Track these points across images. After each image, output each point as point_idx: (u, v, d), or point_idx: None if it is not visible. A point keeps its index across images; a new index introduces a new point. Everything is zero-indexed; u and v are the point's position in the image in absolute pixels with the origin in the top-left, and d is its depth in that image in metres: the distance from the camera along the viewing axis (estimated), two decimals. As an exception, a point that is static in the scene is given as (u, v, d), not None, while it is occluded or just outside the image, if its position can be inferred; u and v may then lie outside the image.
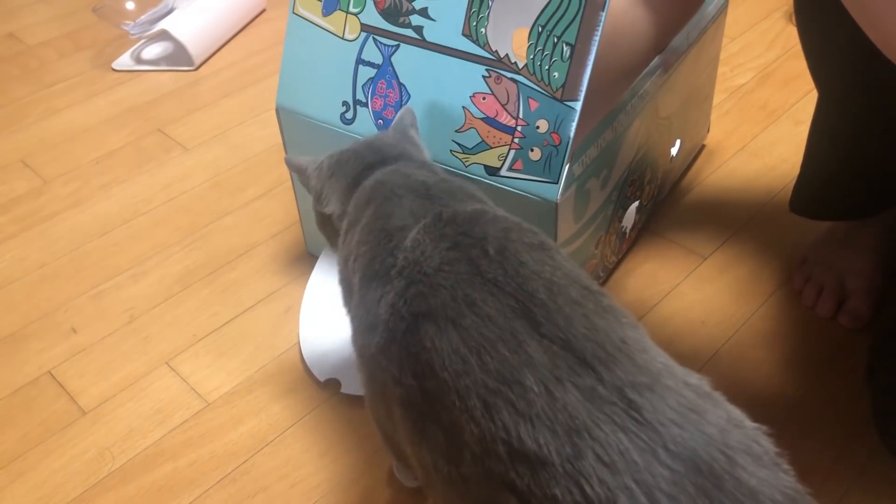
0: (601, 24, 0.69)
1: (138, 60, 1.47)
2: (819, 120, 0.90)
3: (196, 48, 1.44)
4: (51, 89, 1.42)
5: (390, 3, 0.79)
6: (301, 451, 0.83)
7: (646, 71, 0.88)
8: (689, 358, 0.89)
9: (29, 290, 1.03)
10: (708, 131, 1.19)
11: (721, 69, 1.35)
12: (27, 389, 0.90)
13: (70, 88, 1.42)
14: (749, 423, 0.50)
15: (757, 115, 1.24)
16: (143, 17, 1.51)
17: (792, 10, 1.45)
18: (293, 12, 0.85)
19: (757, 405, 0.84)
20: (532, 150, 0.74)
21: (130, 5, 1.53)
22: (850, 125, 0.87)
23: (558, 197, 0.74)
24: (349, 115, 0.84)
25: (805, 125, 0.94)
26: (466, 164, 0.78)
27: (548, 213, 0.75)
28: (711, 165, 1.15)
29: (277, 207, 1.12)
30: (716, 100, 1.28)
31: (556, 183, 0.74)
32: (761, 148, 1.18)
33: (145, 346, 0.95)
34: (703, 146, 1.18)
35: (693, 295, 0.96)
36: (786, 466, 0.49)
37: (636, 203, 0.97)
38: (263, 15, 1.61)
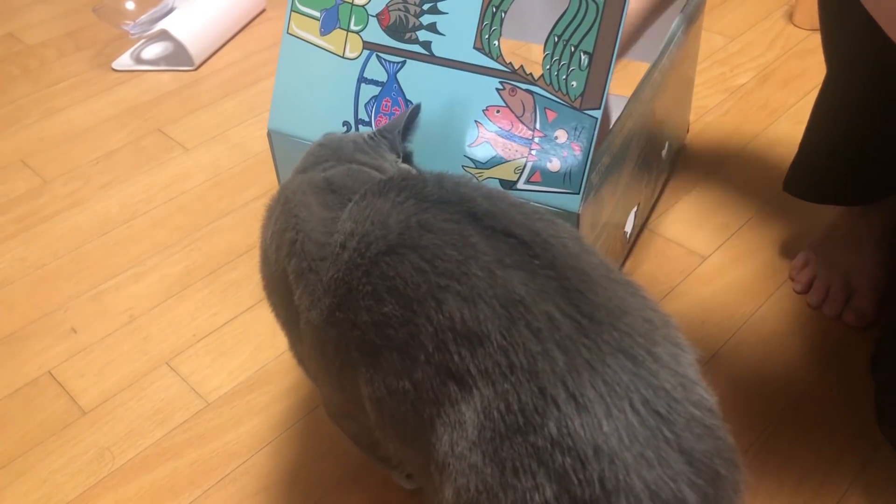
0: (620, 31, 0.69)
1: (138, 60, 1.47)
2: (824, 97, 0.90)
3: (196, 48, 1.44)
4: (51, 89, 1.42)
5: (395, 20, 0.77)
6: (301, 451, 0.83)
7: (644, 76, 0.88)
8: (689, 358, 0.89)
9: (29, 290, 1.03)
10: (687, 131, 1.19)
11: (721, 69, 1.35)
12: (27, 389, 0.90)
13: (70, 88, 1.42)
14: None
15: (757, 115, 1.24)
16: (143, 17, 1.51)
17: (792, 10, 1.45)
18: (287, 33, 0.82)
19: (757, 405, 0.84)
20: (551, 161, 0.73)
21: (130, 5, 1.53)
22: (854, 104, 0.86)
23: (580, 207, 0.73)
24: None
25: (805, 125, 0.94)
26: (480, 179, 0.76)
27: (570, 223, 0.74)
28: (711, 165, 1.15)
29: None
30: (716, 100, 1.28)
31: (578, 193, 0.73)
32: (761, 148, 1.18)
33: (145, 346, 0.95)
34: (685, 146, 1.18)
35: (693, 295, 0.96)
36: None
37: (636, 207, 0.97)
38: (263, 15, 1.61)
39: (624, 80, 1.33)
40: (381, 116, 0.80)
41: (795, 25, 1.43)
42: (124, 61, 1.47)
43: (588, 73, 0.70)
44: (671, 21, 0.98)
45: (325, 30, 0.81)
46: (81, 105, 1.37)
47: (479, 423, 0.50)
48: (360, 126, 0.81)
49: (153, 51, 1.48)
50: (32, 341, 0.96)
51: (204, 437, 0.84)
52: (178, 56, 1.45)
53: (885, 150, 0.87)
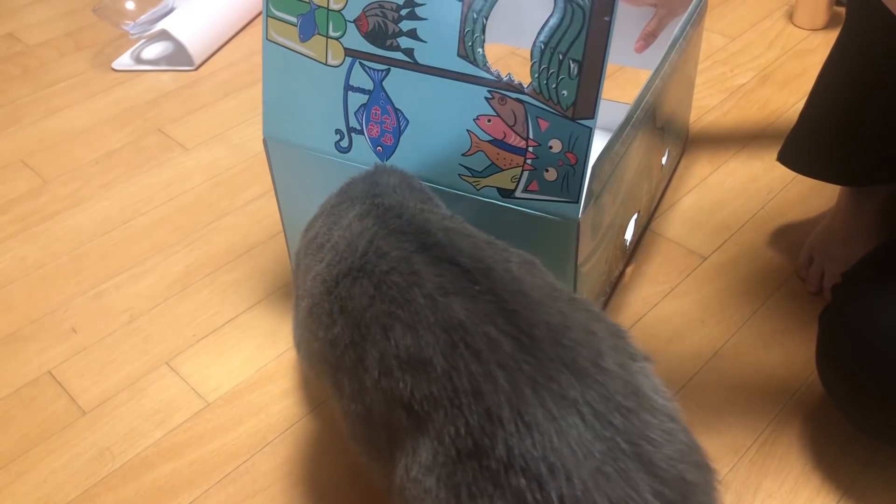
0: (609, 37, 0.66)
1: (138, 60, 1.47)
2: (832, 62, 0.89)
3: (196, 48, 1.44)
4: (51, 89, 1.42)
5: (374, 26, 0.74)
6: (301, 451, 0.83)
7: (647, 82, 0.87)
8: (689, 358, 0.89)
9: (29, 290, 1.03)
10: (687, 139, 1.19)
11: (721, 69, 1.35)
12: (27, 389, 0.90)
13: (70, 88, 1.42)
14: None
15: (757, 115, 1.24)
16: (143, 17, 1.51)
17: (792, 10, 1.45)
18: (266, 39, 0.79)
19: (757, 405, 0.84)
20: (547, 171, 0.72)
21: (130, 5, 1.53)
22: (864, 71, 0.85)
23: (580, 215, 0.72)
24: (344, 144, 0.80)
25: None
26: (478, 187, 0.75)
27: (569, 232, 0.73)
28: (711, 165, 1.15)
29: (277, 208, 1.12)
30: (716, 100, 1.28)
31: (577, 202, 0.72)
32: (761, 148, 1.18)
33: (145, 346, 0.95)
34: (685, 146, 1.18)
35: (693, 295, 0.96)
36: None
37: (635, 215, 0.97)
38: (263, 15, 1.61)
39: (623, 86, 1.33)
40: (371, 125, 0.78)
41: (795, 25, 1.43)
42: (124, 61, 1.47)
43: (578, 81, 0.68)
44: (673, 26, 0.98)
45: (304, 36, 0.78)
46: (81, 105, 1.37)
47: (432, 448, 0.50)
48: (352, 134, 0.79)
49: (153, 51, 1.48)
50: (32, 341, 0.96)
51: (204, 437, 0.84)
52: (178, 56, 1.45)
53: (884, 133, 0.86)
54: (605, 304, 0.95)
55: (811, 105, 0.93)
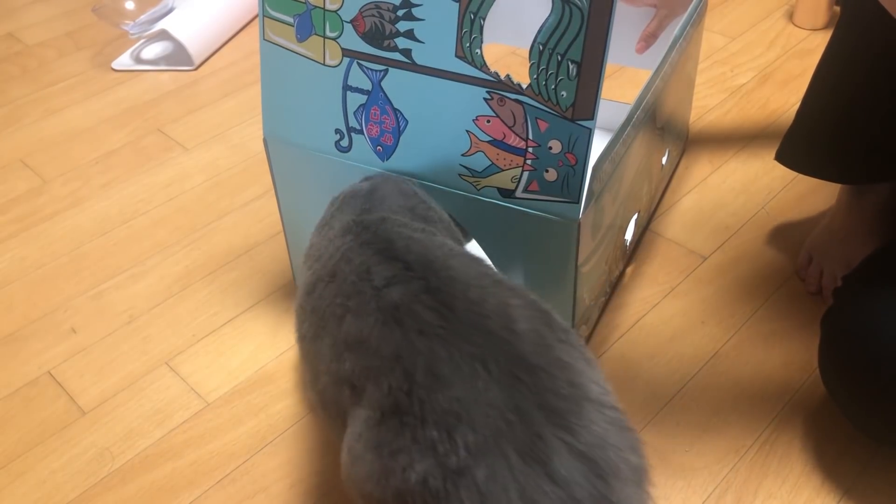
0: (608, 37, 0.66)
1: (138, 60, 1.47)
2: (828, 59, 0.89)
3: (196, 48, 1.44)
4: (50, 89, 1.42)
5: (371, 26, 0.74)
6: (301, 451, 0.83)
7: (647, 82, 0.87)
8: (689, 358, 0.89)
9: (29, 290, 1.03)
10: (687, 139, 1.19)
11: (721, 69, 1.35)
12: (27, 389, 0.90)
13: (70, 88, 1.42)
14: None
15: (757, 115, 1.24)
16: (142, 16, 1.51)
17: (792, 10, 1.45)
18: (264, 38, 0.79)
19: (757, 405, 0.84)
20: (547, 171, 0.72)
21: (130, 5, 1.53)
22: (860, 68, 0.85)
23: (580, 216, 0.72)
24: (344, 143, 0.80)
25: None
26: (478, 187, 0.75)
27: (570, 232, 0.73)
28: (711, 165, 1.15)
29: (277, 207, 1.12)
30: (716, 100, 1.28)
31: (577, 203, 0.72)
32: (761, 148, 1.18)
33: (145, 346, 0.94)
34: (685, 147, 1.18)
35: (693, 295, 0.96)
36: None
37: (636, 215, 0.97)
38: (263, 15, 1.61)
39: (624, 86, 1.33)
40: (371, 125, 0.78)
41: (795, 25, 1.43)
42: (124, 61, 1.47)
43: (577, 82, 0.68)
44: (673, 27, 0.98)
45: (301, 36, 0.78)
46: (81, 105, 1.37)
47: (364, 416, 0.54)
48: (352, 134, 0.79)
49: (153, 51, 1.48)
50: (32, 341, 0.96)
51: (204, 437, 0.84)
52: (178, 56, 1.45)
53: (881, 129, 0.86)
54: (605, 304, 0.95)
55: (808, 103, 0.93)
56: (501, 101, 0.71)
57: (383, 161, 0.79)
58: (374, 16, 0.73)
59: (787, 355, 0.89)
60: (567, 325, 0.58)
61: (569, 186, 0.72)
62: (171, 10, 1.51)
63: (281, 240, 1.07)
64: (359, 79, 0.77)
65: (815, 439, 0.81)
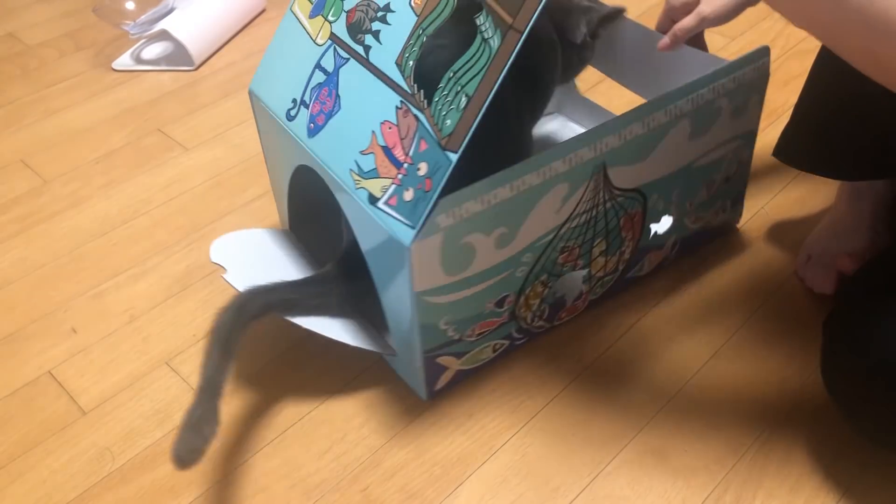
0: (498, 81, 0.68)
1: (138, 60, 1.47)
2: (823, 56, 0.89)
3: (196, 48, 1.44)
4: (51, 89, 1.42)
5: (357, 19, 0.79)
6: (301, 451, 0.83)
7: (580, 136, 0.79)
8: (689, 358, 0.89)
9: (29, 290, 1.03)
10: (740, 216, 1.04)
11: (721, 69, 1.35)
12: (27, 389, 0.90)
13: (70, 88, 1.42)
14: None
15: (757, 114, 1.24)
16: (143, 17, 1.51)
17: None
18: (290, 9, 0.88)
19: (757, 405, 0.84)
20: (407, 190, 0.72)
21: (130, 5, 1.53)
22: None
23: (411, 242, 0.71)
24: (293, 113, 0.85)
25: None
26: (357, 186, 0.76)
27: (401, 255, 0.73)
28: (711, 165, 1.15)
29: (277, 208, 1.12)
30: (716, 100, 1.28)
31: (413, 227, 0.71)
32: (761, 148, 1.17)
33: (145, 346, 0.95)
34: (720, 229, 1.03)
35: (693, 295, 0.96)
36: None
37: (583, 272, 0.89)
38: (263, 15, 1.61)
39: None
40: (316, 103, 0.82)
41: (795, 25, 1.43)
42: (124, 61, 1.47)
43: (461, 115, 0.70)
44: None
45: (313, 14, 0.85)
46: (81, 105, 1.37)
47: None
48: (301, 106, 0.84)
49: (153, 51, 1.48)
50: (32, 341, 0.96)
51: (204, 437, 0.84)
52: (178, 56, 1.45)
53: (880, 125, 0.86)
54: (604, 304, 0.95)
55: (804, 100, 0.93)
56: (406, 113, 0.74)
57: (308, 138, 0.82)
58: (362, 11, 0.79)
59: (786, 355, 0.89)
60: None
61: (415, 210, 0.72)
62: (171, 11, 1.51)
63: (281, 240, 1.07)
64: (328, 61, 0.82)
65: (815, 439, 0.81)
